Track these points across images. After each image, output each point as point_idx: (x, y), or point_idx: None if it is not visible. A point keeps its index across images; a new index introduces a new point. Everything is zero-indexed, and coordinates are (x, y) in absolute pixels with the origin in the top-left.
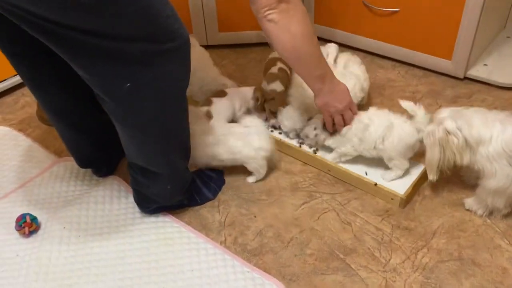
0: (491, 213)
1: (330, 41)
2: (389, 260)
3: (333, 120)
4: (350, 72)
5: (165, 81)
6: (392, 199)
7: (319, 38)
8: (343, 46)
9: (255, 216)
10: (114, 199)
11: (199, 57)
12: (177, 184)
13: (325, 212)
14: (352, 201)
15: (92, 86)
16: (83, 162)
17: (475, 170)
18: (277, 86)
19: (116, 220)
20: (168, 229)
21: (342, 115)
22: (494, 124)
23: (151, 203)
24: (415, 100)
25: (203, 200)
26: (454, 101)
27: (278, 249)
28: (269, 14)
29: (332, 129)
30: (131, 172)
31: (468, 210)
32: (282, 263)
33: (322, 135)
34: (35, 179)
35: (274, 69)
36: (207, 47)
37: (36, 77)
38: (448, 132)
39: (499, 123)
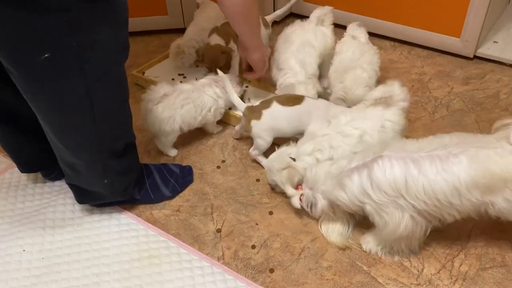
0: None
1: None
2: (422, 270)
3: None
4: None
5: (95, 52)
6: None
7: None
8: (337, 27)
9: (256, 224)
10: (84, 211)
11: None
12: (116, 177)
13: None
14: None
15: None
16: (27, 166)
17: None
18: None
19: (87, 236)
20: (152, 245)
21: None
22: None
23: (93, 199)
24: (423, 83)
25: (158, 197)
26: (466, 83)
27: (288, 263)
28: None
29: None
30: (61, 166)
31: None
32: (295, 280)
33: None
34: None
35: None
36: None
37: None
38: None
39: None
